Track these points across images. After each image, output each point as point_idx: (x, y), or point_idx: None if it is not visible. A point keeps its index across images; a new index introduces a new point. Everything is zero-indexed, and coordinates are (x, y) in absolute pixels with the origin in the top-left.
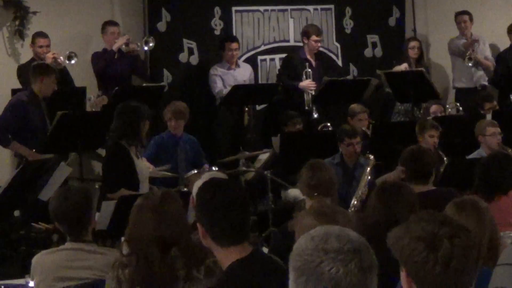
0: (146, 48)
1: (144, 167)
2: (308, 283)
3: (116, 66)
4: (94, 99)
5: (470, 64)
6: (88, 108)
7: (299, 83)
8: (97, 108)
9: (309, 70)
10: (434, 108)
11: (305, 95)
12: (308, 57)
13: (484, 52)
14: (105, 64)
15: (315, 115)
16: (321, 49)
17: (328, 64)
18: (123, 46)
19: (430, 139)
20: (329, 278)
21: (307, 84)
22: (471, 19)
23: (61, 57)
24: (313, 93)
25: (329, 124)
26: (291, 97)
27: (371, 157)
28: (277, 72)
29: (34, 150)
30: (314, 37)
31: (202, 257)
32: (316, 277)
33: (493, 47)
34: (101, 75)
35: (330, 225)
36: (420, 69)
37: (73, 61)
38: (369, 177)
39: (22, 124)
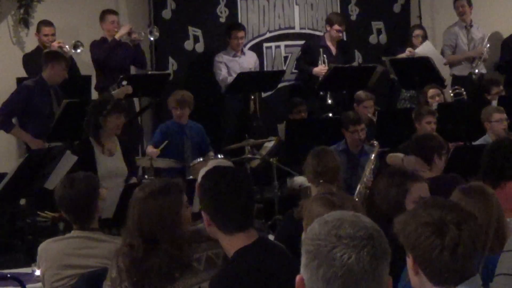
0: (151, 38)
1: (111, 165)
2: (320, 268)
3: (116, 55)
4: (117, 90)
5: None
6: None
7: (313, 68)
8: (120, 97)
9: (324, 56)
10: (431, 92)
11: (319, 81)
12: (329, 44)
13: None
14: (105, 54)
15: (329, 101)
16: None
17: (350, 54)
18: (125, 36)
19: (427, 125)
20: (341, 264)
21: (320, 69)
22: (469, 4)
23: (67, 46)
24: None
25: (330, 114)
26: (307, 82)
27: (376, 143)
28: (296, 60)
29: (41, 138)
30: (336, 26)
31: (191, 250)
32: (328, 262)
33: (497, 34)
34: (100, 64)
35: (345, 210)
36: (425, 55)
37: (79, 50)
38: (374, 164)
39: (25, 109)
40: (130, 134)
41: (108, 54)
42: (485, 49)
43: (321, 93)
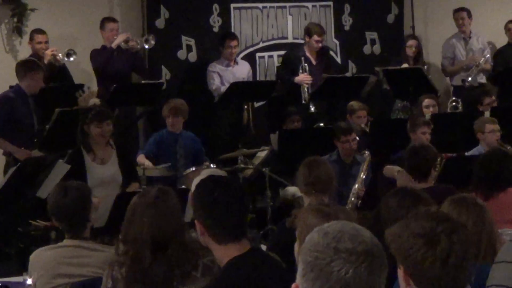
0: (146, 46)
1: (102, 173)
2: (317, 280)
3: (115, 63)
4: (83, 95)
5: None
6: (79, 104)
7: (295, 77)
8: (86, 103)
9: (305, 64)
10: (426, 102)
11: (301, 89)
12: (308, 54)
13: (483, 51)
14: (104, 61)
15: (312, 109)
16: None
17: (330, 62)
18: (122, 43)
19: (422, 136)
20: (338, 279)
21: (302, 78)
22: (469, 16)
23: (60, 54)
24: (309, 87)
25: (322, 124)
26: (290, 92)
27: (367, 153)
28: (276, 69)
29: (22, 148)
30: (315, 37)
31: (197, 255)
32: (325, 275)
33: (490, 44)
34: (100, 72)
35: (346, 221)
36: (418, 66)
37: (72, 58)
38: (365, 174)
39: (8, 121)
40: (128, 142)
41: (107, 62)
42: (484, 58)
43: (303, 101)
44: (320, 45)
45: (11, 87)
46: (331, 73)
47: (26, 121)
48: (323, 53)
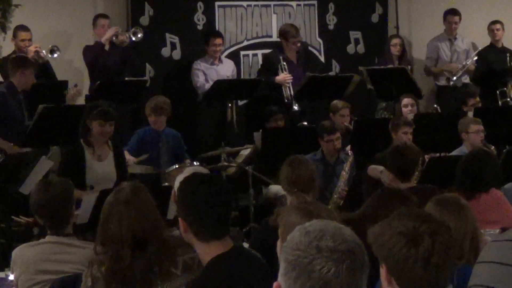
0: (134, 38)
1: (101, 170)
2: (298, 279)
3: (106, 58)
4: (70, 92)
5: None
6: (67, 101)
7: (275, 77)
8: (73, 100)
9: (284, 63)
10: (405, 101)
11: (283, 89)
12: (288, 55)
13: (468, 52)
14: (95, 57)
15: (295, 107)
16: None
17: (311, 60)
18: (114, 38)
19: (403, 136)
20: (319, 277)
21: (283, 77)
22: (460, 19)
23: (44, 51)
24: (290, 86)
25: (305, 123)
26: (272, 92)
27: (350, 152)
28: (258, 70)
29: (12, 144)
30: (292, 39)
31: (176, 252)
32: (306, 274)
33: (472, 45)
34: (92, 68)
35: (328, 220)
36: (402, 66)
37: (55, 55)
38: (348, 174)
39: (0, 117)
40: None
41: (98, 57)
42: (471, 59)
43: (286, 100)
44: (298, 44)
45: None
46: (313, 68)
47: (17, 117)
48: (302, 49)
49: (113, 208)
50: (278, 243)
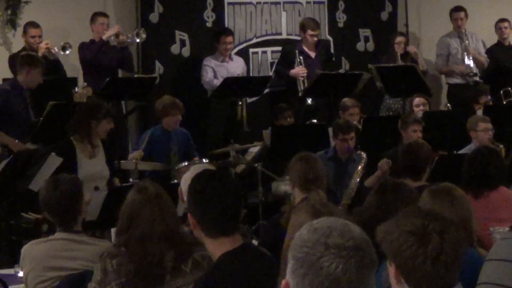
0: (137, 40)
1: (92, 167)
2: (306, 276)
3: (103, 57)
4: (79, 91)
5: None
6: (75, 100)
7: (290, 70)
8: (82, 99)
9: (300, 57)
10: (417, 100)
11: (297, 82)
12: (305, 49)
13: (478, 49)
14: (92, 55)
15: (309, 101)
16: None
17: (328, 56)
18: (113, 38)
19: (413, 134)
20: (328, 274)
21: (297, 71)
22: (466, 16)
23: (55, 48)
24: (305, 79)
25: (315, 120)
26: (288, 86)
27: (364, 155)
28: (275, 63)
29: (17, 140)
30: (309, 32)
31: (190, 249)
32: (314, 271)
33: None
34: (87, 66)
35: (335, 217)
36: (412, 64)
37: (67, 52)
38: (360, 177)
39: (3, 113)
40: (116, 137)
41: (95, 55)
42: (486, 61)
43: (300, 94)
44: (315, 39)
45: (4, 79)
46: (331, 67)
47: (22, 114)
48: (323, 47)
49: (139, 206)
50: (286, 240)
